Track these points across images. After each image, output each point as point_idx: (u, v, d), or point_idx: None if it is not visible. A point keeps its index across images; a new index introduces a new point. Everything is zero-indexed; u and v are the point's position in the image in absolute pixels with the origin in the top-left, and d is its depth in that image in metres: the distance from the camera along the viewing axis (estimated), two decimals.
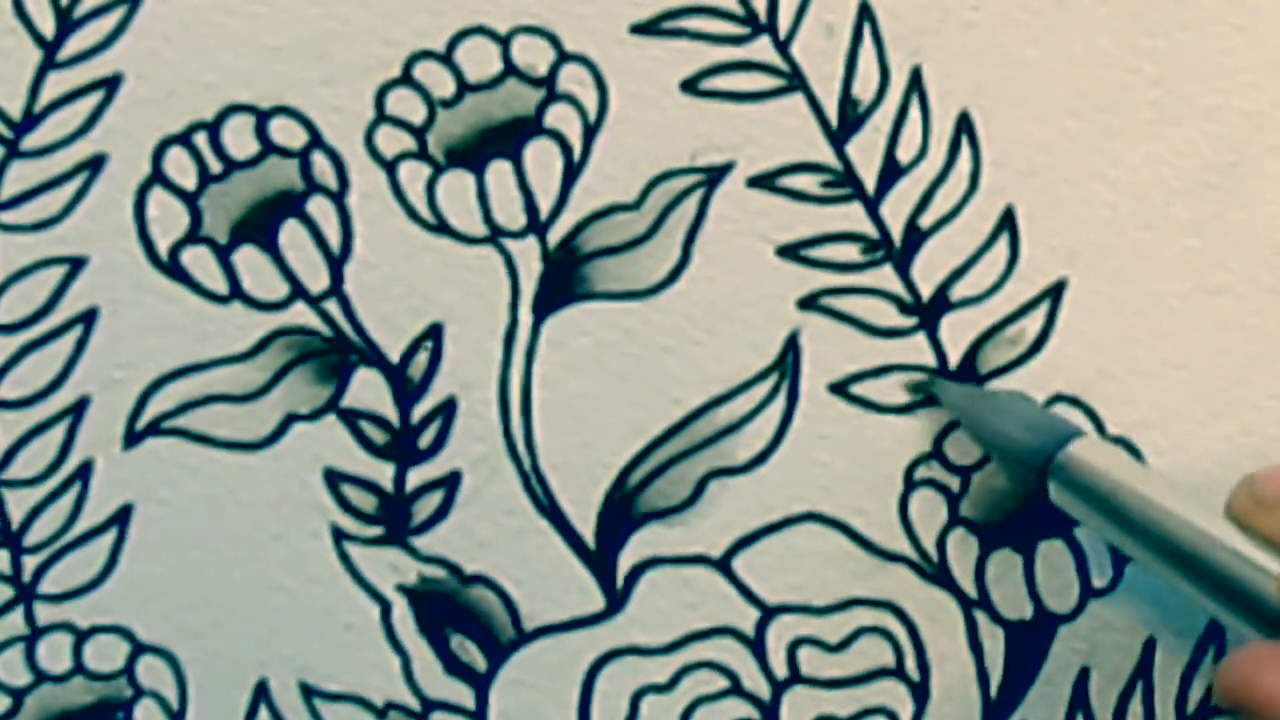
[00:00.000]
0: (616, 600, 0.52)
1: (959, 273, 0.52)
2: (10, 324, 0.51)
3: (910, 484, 0.51)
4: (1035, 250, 0.52)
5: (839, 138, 0.52)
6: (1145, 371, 0.51)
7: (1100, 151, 0.52)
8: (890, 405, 0.51)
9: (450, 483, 0.52)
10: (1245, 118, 0.52)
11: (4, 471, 0.51)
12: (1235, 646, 0.50)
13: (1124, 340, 0.51)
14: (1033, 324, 0.51)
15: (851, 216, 0.52)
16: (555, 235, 0.52)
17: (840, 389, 0.51)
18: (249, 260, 0.51)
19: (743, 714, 0.52)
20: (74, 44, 0.51)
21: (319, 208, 0.52)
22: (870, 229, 0.52)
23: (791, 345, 0.51)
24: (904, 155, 0.52)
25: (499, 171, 0.51)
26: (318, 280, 0.52)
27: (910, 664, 0.52)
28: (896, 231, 0.52)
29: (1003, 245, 0.52)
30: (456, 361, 0.52)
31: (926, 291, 0.52)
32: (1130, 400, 0.51)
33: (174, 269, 0.51)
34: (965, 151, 0.51)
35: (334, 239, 0.51)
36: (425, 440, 0.52)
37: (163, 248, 0.51)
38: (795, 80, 0.52)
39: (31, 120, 0.51)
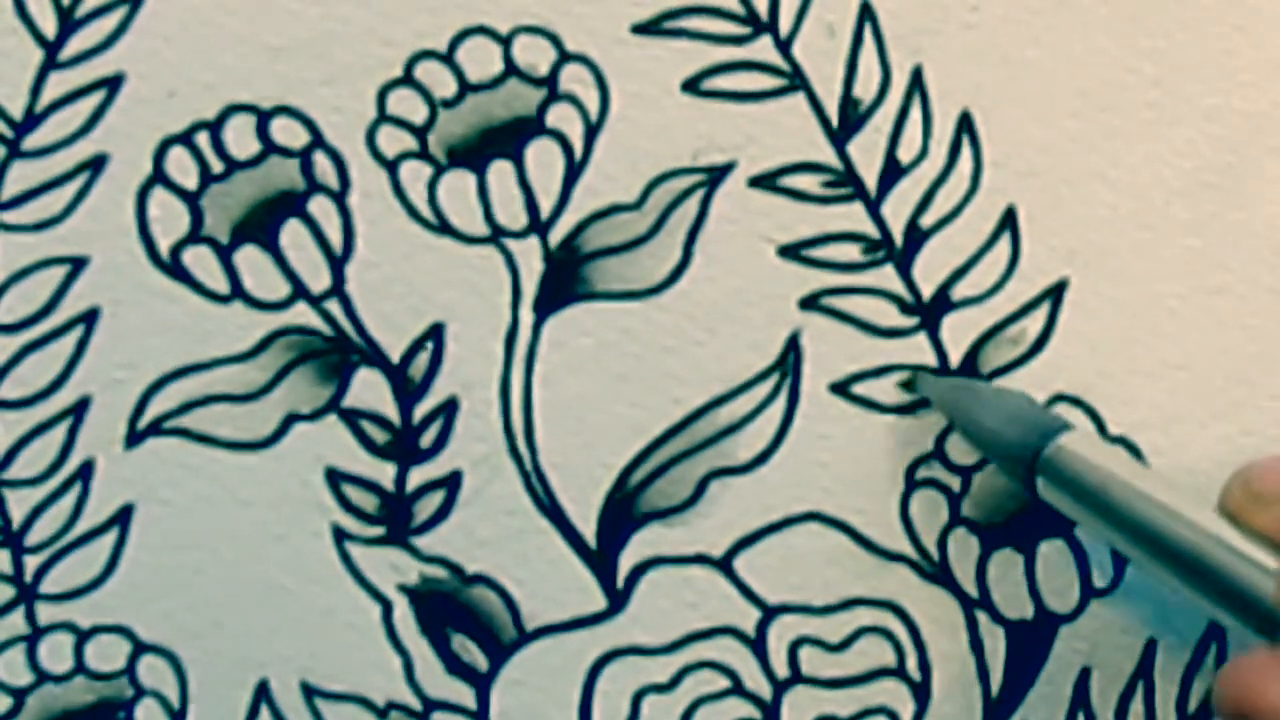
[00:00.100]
0: (617, 600, 0.52)
1: (960, 273, 0.52)
2: (11, 324, 0.51)
3: (911, 484, 0.51)
4: (1036, 250, 0.52)
5: (840, 138, 0.52)
6: (1145, 371, 0.51)
7: (1100, 151, 0.52)
8: (891, 405, 0.51)
9: (451, 482, 0.52)
10: (1245, 118, 0.52)
11: (5, 471, 0.51)
12: (1237, 649, 0.51)
13: (1124, 340, 0.51)
14: (1034, 324, 0.51)
15: (852, 216, 0.52)
16: (556, 235, 0.52)
17: (841, 389, 0.51)
18: (250, 260, 0.51)
19: (744, 714, 0.52)
20: (75, 44, 0.51)
21: (320, 207, 0.52)
22: (871, 229, 0.52)
23: (792, 345, 0.51)
24: (905, 155, 0.52)
25: (500, 171, 0.51)
26: (319, 280, 0.52)
27: (911, 664, 0.52)
28: (897, 231, 0.52)
29: (1004, 245, 0.52)
30: (458, 361, 0.52)
31: (927, 291, 0.52)
32: (1130, 400, 0.51)
33: (175, 269, 0.51)
34: (966, 151, 0.51)
35: (335, 239, 0.51)
36: (426, 440, 0.51)
37: (164, 247, 0.51)
38: (796, 80, 0.52)
39: (33, 120, 0.51)
